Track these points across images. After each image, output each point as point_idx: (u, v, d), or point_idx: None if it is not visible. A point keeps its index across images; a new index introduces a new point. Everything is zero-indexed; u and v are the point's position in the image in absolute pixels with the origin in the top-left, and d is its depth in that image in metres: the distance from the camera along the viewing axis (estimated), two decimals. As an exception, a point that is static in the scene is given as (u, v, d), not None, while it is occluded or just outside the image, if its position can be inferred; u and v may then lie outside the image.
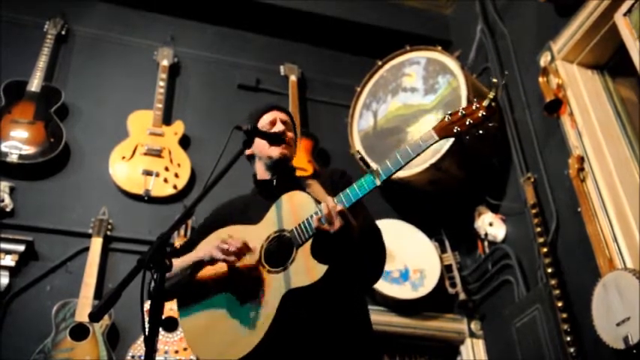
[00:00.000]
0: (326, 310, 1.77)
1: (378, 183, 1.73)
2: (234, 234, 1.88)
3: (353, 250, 1.79)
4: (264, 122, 2.08)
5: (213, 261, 1.85)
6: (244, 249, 1.82)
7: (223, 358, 1.75)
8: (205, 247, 1.89)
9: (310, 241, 1.76)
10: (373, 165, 1.77)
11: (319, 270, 1.70)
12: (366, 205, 1.97)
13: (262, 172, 2.09)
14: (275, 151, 2.02)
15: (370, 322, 1.91)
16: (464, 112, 1.70)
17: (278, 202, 1.91)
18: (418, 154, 1.72)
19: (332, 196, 1.79)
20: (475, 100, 1.73)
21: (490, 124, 1.70)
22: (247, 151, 2.06)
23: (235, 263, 1.82)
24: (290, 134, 2.08)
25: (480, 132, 1.70)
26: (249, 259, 1.84)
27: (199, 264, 1.88)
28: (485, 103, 1.68)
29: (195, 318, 1.91)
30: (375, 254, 1.90)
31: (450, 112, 1.72)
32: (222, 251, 1.80)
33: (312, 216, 1.75)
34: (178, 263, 1.92)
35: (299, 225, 1.79)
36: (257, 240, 1.87)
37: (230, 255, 1.80)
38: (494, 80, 1.77)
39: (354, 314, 1.84)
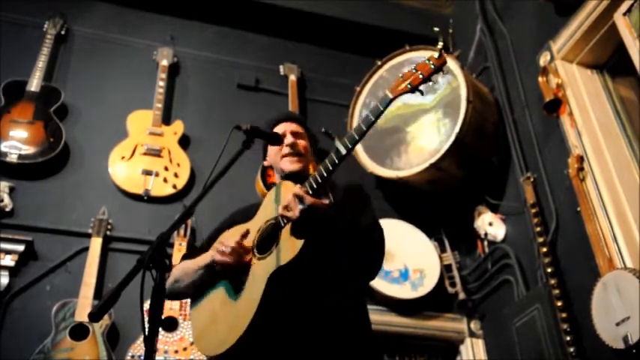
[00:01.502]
0: (313, 291, 1.78)
1: (344, 151, 1.73)
2: (236, 233, 1.93)
3: (333, 232, 1.77)
4: None
5: (219, 264, 1.89)
6: (238, 248, 1.86)
7: (220, 348, 1.78)
8: (210, 252, 1.95)
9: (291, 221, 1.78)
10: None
11: (298, 244, 1.71)
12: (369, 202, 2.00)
13: (278, 178, 2.12)
14: (286, 165, 2.03)
15: (367, 314, 1.91)
16: (416, 68, 1.72)
17: (268, 194, 1.96)
18: (378, 117, 1.72)
19: (344, 211, 1.81)
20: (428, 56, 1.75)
21: (444, 73, 1.72)
22: (265, 162, 2.13)
23: (236, 262, 1.85)
24: (302, 143, 2.06)
25: (432, 82, 1.72)
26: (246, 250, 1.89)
27: (211, 267, 1.92)
28: (435, 54, 1.70)
29: (197, 316, 1.97)
30: (369, 249, 1.87)
31: (403, 73, 1.74)
32: (222, 254, 1.86)
33: None
34: (190, 265, 1.99)
35: None
36: (253, 232, 1.92)
37: (227, 256, 1.85)
38: (436, 29, 1.76)
39: (347, 301, 1.84)
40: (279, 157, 2.05)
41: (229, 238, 1.90)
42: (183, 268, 2.01)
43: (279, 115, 2.18)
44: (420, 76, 1.70)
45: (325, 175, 1.74)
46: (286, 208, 1.74)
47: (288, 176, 2.04)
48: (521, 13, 4.29)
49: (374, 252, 1.89)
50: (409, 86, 1.70)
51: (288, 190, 1.86)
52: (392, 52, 4.47)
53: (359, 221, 1.89)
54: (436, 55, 1.69)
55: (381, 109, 1.71)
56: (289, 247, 1.74)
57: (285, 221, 1.79)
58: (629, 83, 3.72)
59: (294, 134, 2.07)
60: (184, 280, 1.98)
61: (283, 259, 1.73)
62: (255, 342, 1.74)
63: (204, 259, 1.95)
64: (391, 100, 1.71)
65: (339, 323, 1.76)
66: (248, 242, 1.91)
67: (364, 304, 1.94)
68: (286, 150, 2.03)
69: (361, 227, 1.87)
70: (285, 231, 1.79)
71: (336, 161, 1.74)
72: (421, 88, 1.71)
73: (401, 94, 1.72)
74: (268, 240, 1.85)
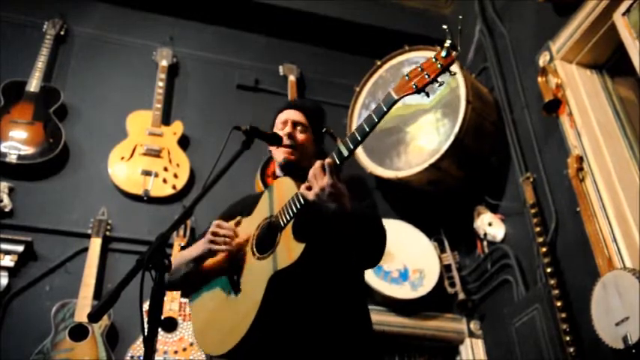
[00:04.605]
0: (313, 294, 1.76)
1: (345, 153, 1.67)
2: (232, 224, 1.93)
3: (343, 221, 1.70)
4: (277, 122, 2.07)
5: (213, 253, 1.87)
6: (232, 233, 1.86)
7: (221, 348, 1.77)
8: (202, 242, 1.91)
9: (292, 222, 1.75)
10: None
11: (298, 249, 1.67)
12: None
13: (278, 171, 2.10)
14: (279, 155, 2.01)
15: (368, 315, 1.88)
16: (422, 67, 1.60)
17: (267, 190, 1.93)
18: (381, 118, 1.65)
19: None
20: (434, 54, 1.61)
21: (451, 74, 1.60)
22: (269, 151, 2.09)
23: (232, 250, 1.85)
24: (301, 137, 2.01)
25: (440, 84, 1.60)
26: (245, 249, 1.88)
27: (202, 258, 1.91)
28: (442, 53, 1.57)
29: (197, 313, 1.96)
30: (370, 236, 1.78)
31: (409, 71, 1.63)
32: (215, 242, 1.84)
33: (292, 198, 1.74)
34: (184, 254, 1.98)
35: (281, 208, 1.79)
36: (251, 229, 1.90)
37: (222, 243, 1.83)
38: (445, 27, 1.63)
39: (348, 302, 1.82)
40: (275, 147, 2.01)
41: (223, 227, 1.87)
42: (179, 258, 1.99)
43: (287, 101, 2.13)
44: (427, 76, 1.57)
45: None
46: (307, 188, 1.66)
47: (282, 168, 2.02)
48: (521, 13, 4.29)
49: (374, 233, 1.79)
50: (414, 87, 1.60)
51: (282, 186, 1.85)
52: (391, 53, 4.47)
53: (359, 206, 1.80)
54: (443, 53, 1.56)
55: (385, 109, 1.64)
56: (290, 249, 1.71)
57: (288, 219, 1.75)
58: (628, 83, 3.72)
59: (295, 124, 2.03)
60: (180, 270, 1.96)
61: (283, 262, 1.70)
62: (256, 343, 1.72)
63: (196, 248, 1.92)
64: (396, 101, 1.63)
65: (340, 325, 1.75)
66: (246, 237, 1.89)
67: (365, 306, 1.91)
68: (284, 140, 1.98)
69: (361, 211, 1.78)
70: (286, 232, 1.76)
71: (337, 162, 1.69)
72: (427, 89, 1.61)
73: (406, 95, 1.63)
74: (267, 239, 1.82)
